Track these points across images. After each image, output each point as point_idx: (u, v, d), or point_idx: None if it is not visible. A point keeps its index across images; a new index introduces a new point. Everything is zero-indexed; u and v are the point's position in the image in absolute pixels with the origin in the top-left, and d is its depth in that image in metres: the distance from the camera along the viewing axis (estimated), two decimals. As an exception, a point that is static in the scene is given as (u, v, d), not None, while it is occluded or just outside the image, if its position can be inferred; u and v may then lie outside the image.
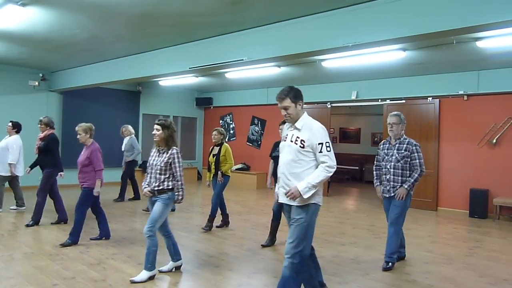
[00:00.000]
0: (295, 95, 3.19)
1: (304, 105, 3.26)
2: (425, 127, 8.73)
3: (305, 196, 3.04)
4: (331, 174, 3.10)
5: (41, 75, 10.02)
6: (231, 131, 12.90)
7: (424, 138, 8.60)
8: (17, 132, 7.19)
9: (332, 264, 4.73)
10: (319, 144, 3.08)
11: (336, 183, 12.48)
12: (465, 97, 8.28)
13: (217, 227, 6.41)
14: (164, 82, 10.89)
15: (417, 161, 4.58)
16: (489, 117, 7.99)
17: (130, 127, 9.03)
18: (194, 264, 4.62)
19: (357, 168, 14.27)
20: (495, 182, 7.90)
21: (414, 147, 4.60)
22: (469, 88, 8.08)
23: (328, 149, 3.08)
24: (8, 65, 9.40)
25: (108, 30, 6.07)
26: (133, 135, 8.87)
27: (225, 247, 5.34)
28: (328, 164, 3.07)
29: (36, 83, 9.94)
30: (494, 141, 7.90)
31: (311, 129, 3.13)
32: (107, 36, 6.40)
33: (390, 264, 4.58)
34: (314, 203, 3.13)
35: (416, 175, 4.54)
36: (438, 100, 8.65)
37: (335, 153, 3.11)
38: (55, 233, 5.79)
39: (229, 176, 6.34)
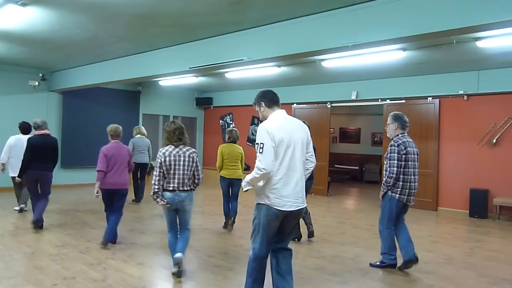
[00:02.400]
0: (256, 98, 3.29)
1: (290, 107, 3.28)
2: (425, 127, 8.72)
3: (243, 189, 3.19)
4: (258, 176, 2.99)
5: (41, 75, 10.01)
6: (231, 131, 12.88)
7: (424, 138, 8.60)
8: (22, 132, 7.00)
9: (332, 264, 4.73)
10: (255, 144, 3.07)
11: (336, 183, 12.47)
12: (465, 97, 8.28)
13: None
14: (164, 82, 10.89)
15: (387, 161, 4.42)
16: (489, 117, 7.98)
17: (138, 127, 8.93)
18: (194, 264, 4.62)
19: (357, 168, 14.26)
20: (495, 182, 7.90)
21: (389, 148, 4.44)
22: (469, 88, 8.08)
23: (261, 150, 2.98)
24: (8, 65, 9.39)
25: (108, 30, 6.07)
26: (136, 136, 8.67)
27: (225, 247, 5.34)
28: (256, 165, 3.01)
29: (36, 83, 9.94)
30: (494, 141, 7.89)
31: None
32: (107, 36, 6.40)
33: (377, 262, 4.63)
34: (259, 203, 3.12)
35: (385, 178, 4.42)
36: (438, 100, 8.65)
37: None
38: (55, 233, 5.79)
39: (221, 177, 6.37)
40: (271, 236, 3.15)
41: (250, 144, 12.35)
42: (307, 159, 3.21)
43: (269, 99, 3.23)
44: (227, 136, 6.42)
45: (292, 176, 3.06)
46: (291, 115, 11.83)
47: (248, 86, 11.50)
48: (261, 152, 2.97)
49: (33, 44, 7.14)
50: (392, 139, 4.48)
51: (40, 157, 5.80)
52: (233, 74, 8.95)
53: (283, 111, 3.24)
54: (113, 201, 5.16)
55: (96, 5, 4.92)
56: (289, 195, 3.04)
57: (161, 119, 12.76)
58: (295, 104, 11.13)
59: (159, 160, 4.00)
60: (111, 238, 5.16)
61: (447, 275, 4.48)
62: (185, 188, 4.09)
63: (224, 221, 6.44)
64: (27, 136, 6.39)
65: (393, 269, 4.58)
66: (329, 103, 10.34)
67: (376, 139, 14.38)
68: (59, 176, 10.41)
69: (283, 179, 3.02)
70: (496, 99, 7.93)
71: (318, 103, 10.47)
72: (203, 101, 13.33)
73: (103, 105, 11.08)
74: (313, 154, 3.29)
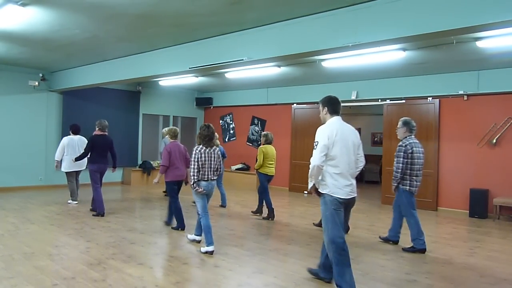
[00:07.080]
0: (323, 101, 3.99)
1: (327, 110, 3.96)
2: (425, 127, 8.72)
3: (309, 186, 3.71)
4: (311, 169, 3.57)
5: (41, 75, 10.01)
6: (231, 131, 12.90)
7: (424, 138, 8.59)
8: (73, 133, 8.04)
9: (332, 264, 4.72)
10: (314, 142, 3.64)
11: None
12: (465, 97, 8.29)
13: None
14: (164, 82, 10.89)
15: (395, 159, 5.34)
16: (489, 117, 7.99)
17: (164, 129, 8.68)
18: (194, 264, 4.62)
19: (357, 168, 14.21)
20: (495, 182, 7.90)
21: (397, 147, 5.36)
22: (469, 88, 8.08)
23: (315, 147, 3.58)
24: (8, 65, 9.39)
25: (108, 30, 6.06)
26: (166, 137, 8.24)
27: (225, 247, 5.33)
28: (311, 159, 3.59)
29: (36, 83, 9.93)
30: (494, 141, 7.90)
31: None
32: (107, 36, 6.40)
33: (409, 248, 5.43)
34: (323, 194, 3.64)
35: (393, 173, 5.37)
36: (438, 100, 8.65)
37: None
38: (55, 233, 5.79)
39: (263, 174, 7.27)
40: (341, 222, 3.65)
41: (250, 144, 12.36)
42: (357, 159, 3.76)
43: (333, 108, 3.87)
44: (263, 139, 7.34)
45: (348, 170, 3.65)
46: (291, 115, 11.84)
47: (248, 86, 11.51)
48: (315, 149, 3.55)
49: (33, 44, 7.14)
50: (401, 140, 5.39)
51: (102, 153, 7.06)
52: (233, 74, 8.95)
53: (340, 117, 3.87)
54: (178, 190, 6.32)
55: (96, 5, 4.92)
56: (345, 186, 3.61)
57: (161, 119, 12.76)
58: (295, 104, 11.14)
59: (197, 157, 4.90)
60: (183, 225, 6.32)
61: (447, 275, 4.49)
62: (214, 178, 5.10)
63: (268, 212, 7.17)
64: (79, 136, 7.97)
65: (393, 269, 4.58)
66: (329, 103, 10.32)
67: (376, 139, 14.37)
68: (60, 175, 10.43)
69: (342, 173, 3.59)
70: (496, 99, 7.93)
71: (318, 103, 10.45)
72: (203, 101, 13.33)
73: (103, 105, 11.08)
74: (363, 155, 3.83)
